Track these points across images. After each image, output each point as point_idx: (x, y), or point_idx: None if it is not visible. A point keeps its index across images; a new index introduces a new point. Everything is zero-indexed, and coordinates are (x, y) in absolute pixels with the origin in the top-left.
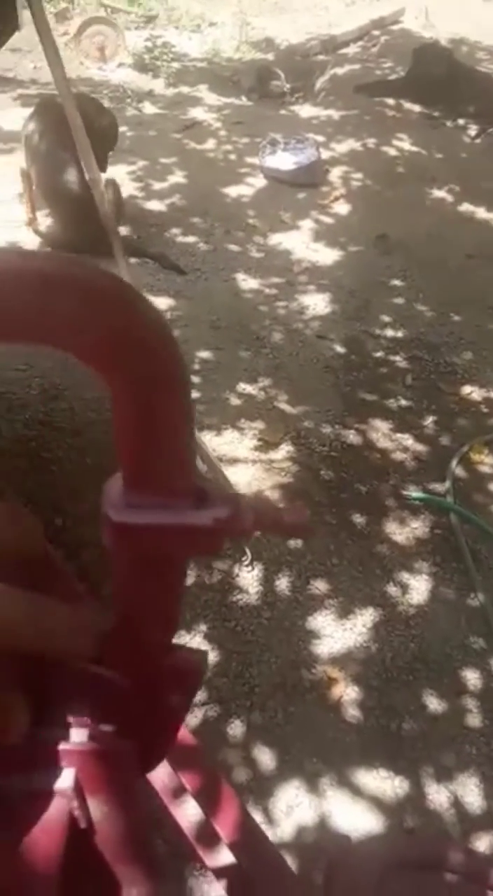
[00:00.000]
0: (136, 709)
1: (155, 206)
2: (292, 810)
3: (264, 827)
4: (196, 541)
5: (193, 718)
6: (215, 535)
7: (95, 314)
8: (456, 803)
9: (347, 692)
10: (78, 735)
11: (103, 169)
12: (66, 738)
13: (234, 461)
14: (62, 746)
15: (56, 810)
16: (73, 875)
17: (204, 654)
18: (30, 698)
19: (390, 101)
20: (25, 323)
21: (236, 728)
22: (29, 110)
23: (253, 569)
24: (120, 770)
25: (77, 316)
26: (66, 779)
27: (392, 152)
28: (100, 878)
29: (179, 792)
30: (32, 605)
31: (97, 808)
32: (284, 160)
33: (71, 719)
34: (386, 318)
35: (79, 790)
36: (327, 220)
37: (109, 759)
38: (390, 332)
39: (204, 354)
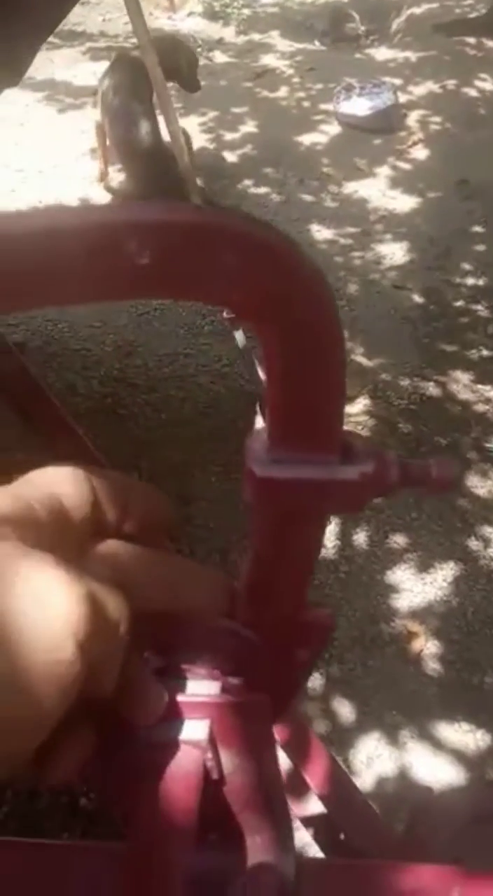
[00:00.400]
0: (265, 663)
1: (227, 157)
2: (372, 762)
3: None
4: (341, 496)
5: None
6: (361, 491)
7: (252, 267)
8: None
9: (427, 646)
10: (211, 687)
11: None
12: (198, 689)
13: None
14: (196, 698)
15: (191, 761)
16: (201, 822)
17: (333, 611)
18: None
19: (471, 40)
20: (180, 278)
21: (316, 681)
22: (98, 64)
23: (330, 523)
24: (252, 722)
25: (234, 269)
26: (200, 730)
27: (473, 93)
28: (224, 826)
29: None
30: (170, 565)
31: (229, 760)
32: (359, 105)
33: (204, 672)
34: (467, 266)
35: (213, 742)
36: (405, 166)
37: (242, 711)
38: (470, 281)
39: None
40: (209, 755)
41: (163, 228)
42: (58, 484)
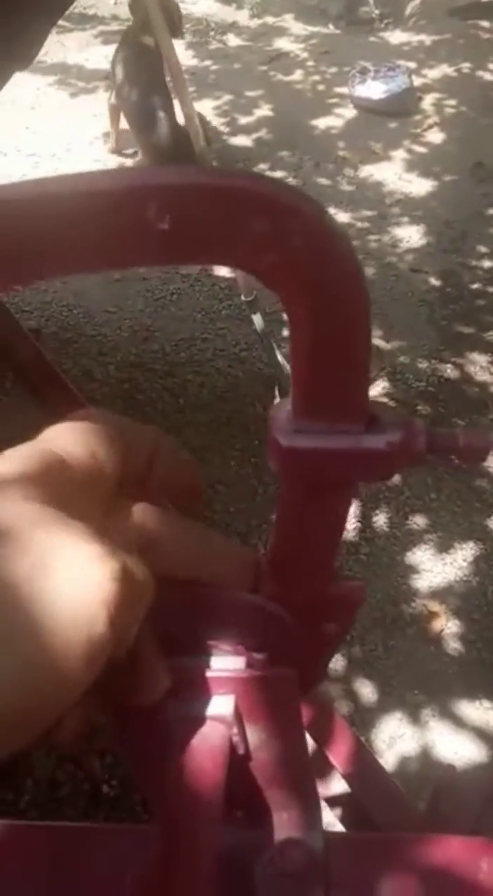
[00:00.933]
0: (293, 638)
1: (242, 141)
2: (394, 741)
3: None
4: (367, 465)
5: None
6: (387, 460)
7: (280, 230)
8: None
9: (448, 626)
10: (236, 662)
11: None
12: (224, 665)
13: None
14: (222, 673)
15: (217, 736)
16: (227, 798)
17: (362, 584)
18: (188, 625)
19: (486, 24)
20: (206, 242)
21: (337, 662)
22: (110, 48)
23: (351, 506)
24: (278, 697)
25: (261, 233)
26: (226, 705)
27: (488, 77)
28: (251, 804)
29: None
30: (199, 534)
31: (255, 735)
32: (374, 89)
33: (229, 647)
34: (483, 249)
35: (238, 717)
36: (421, 149)
37: (268, 686)
38: (487, 263)
39: None
40: (235, 730)
41: (188, 191)
42: (82, 438)
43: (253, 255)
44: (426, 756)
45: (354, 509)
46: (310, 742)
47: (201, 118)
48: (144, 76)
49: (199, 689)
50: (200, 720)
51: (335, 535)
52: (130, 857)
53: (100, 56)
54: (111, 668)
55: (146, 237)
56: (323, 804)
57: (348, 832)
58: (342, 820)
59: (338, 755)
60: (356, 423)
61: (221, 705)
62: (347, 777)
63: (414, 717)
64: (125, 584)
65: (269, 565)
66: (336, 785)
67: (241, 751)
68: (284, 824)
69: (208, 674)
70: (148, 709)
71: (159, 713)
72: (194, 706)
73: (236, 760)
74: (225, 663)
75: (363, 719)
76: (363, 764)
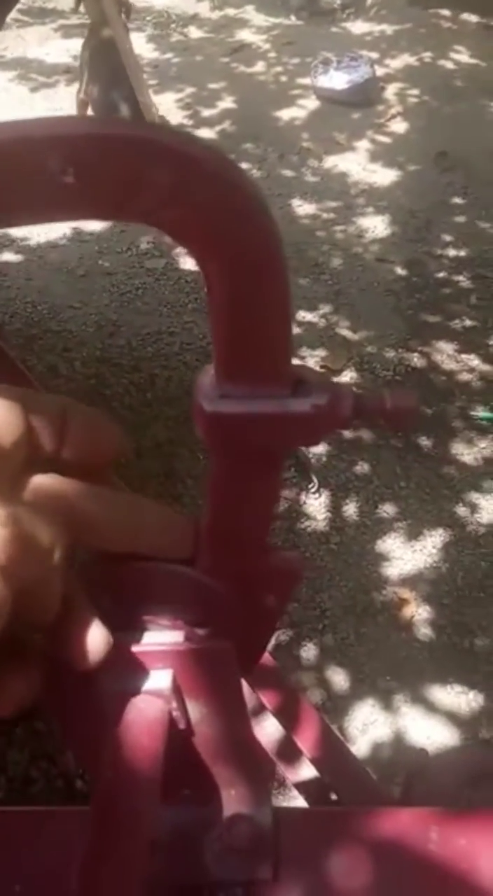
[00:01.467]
0: (231, 610)
1: (205, 133)
2: (367, 728)
3: None
4: (294, 430)
5: None
6: (314, 424)
7: (185, 184)
8: None
9: (418, 612)
10: (174, 636)
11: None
12: (161, 639)
13: None
14: (158, 647)
15: (155, 711)
16: (170, 779)
17: (301, 555)
18: (125, 601)
19: (446, 12)
20: (108, 196)
21: (309, 651)
22: (71, 42)
23: (320, 495)
24: (219, 671)
25: (165, 185)
26: (164, 680)
27: (450, 66)
28: (198, 780)
29: (258, 710)
30: (129, 504)
31: (196, 709)
32: (337, 79)
33: (166, 621)
34: (448, 238)
35: (177, 691)
36: (384, 139)
37: (206, 660)
38: (452, 252)
39: None
40: (174, 705)
41: (87, 142)
42: None
43: (158, 209)
44: (398, 741)
45: (324, 499)
46: (278, 728)
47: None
48: (106, 69)
49: (136, 664)
50: (137, 695)
51: (268, 504)
52: (76, 840)
53: (60, 50)
54: (45, 634)
55: (44, 192)
56: (294, 790)
57: (298, 807)
58: (312, 805)
59: (306, 741)
60: (282, 386)
61: (158, 680)
62: (315, 762)
63: (386, 703)
64: (17, 532)
65: (204, 538)
66: (306, 770)
67: (181, 725)
68: (231, 800)
69: (146, 648)
70: (85, 684)
71: (96, 688)
72: (131, 681)
73: (178, 736)
74: (163, 637)
75: (336, 707)
76: (332, 749)
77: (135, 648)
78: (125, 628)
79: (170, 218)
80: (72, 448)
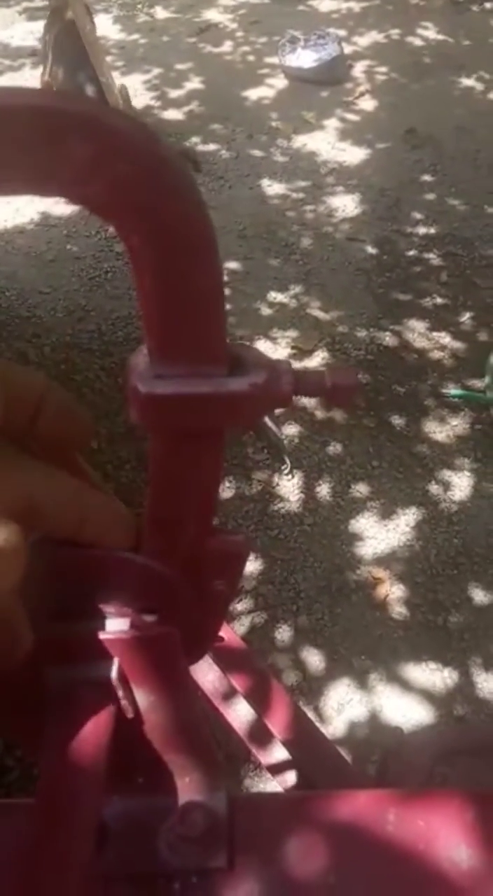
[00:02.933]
0: (178, 596)
1: (173, 115)
2: (343, 708)
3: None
4: (232, 409)
5: (241, 626)
6: (253, 403)
7: (103, 155)
8: None
9: (392, 591)
10: (119, 624)
11: None
12: (106, 627)
13: None
14: (104, 636)
15: (102, 701)
16: (122, 768)
17: (247, 537)
18: (70, 588)
19: None
20: (25, 169)
21: (284, 633)
22: (35, 24)
23: (293, 477)
24: (165, 658)
25: (83, 158)
26: (109, 668)
27: (417, 42)
28: (151, 769)
29: (230, 694)
30: (81, 491)
31: (144, 697)
32: (304, 58)
33: (111, 608)
34: (418, 216)
35: (124, 679)
36: (353, 117)
37: (153, 647)
38: (422, 230)
39: (232, 265)
40: (120, 693)
41: (3, 112)
42: None
43: (79, 183)
44: (374, 720)
45: (297, 480)
46: (250, 711)
47: (122, 89)
48: (71, 51)
49: (81, 653)
50: (82, 685)
51: (210, 486)
52: (23, 834)
53: (25, 32)
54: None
55: None
56: (266, 772)
57: (254, 793)
58: (286, 788)
59: (277, 723)
60: (218, 365)
61: (103, 668)
62: (287, 744)
63: (362, 683)
64: None
65: (147, 522)
66: (277, 753)
67: (130, 714)
68: (185, 788)
69: (90, 637)
70: (28, 674)
71: (40, 679)
72: (76, 670)
73: (128, 725)
74: (107, 625)
75: (312, 688)
76: (303, 731)
77: (79, 637)
78: (70, 616)
79: (91, 193)
80: (45, 427)
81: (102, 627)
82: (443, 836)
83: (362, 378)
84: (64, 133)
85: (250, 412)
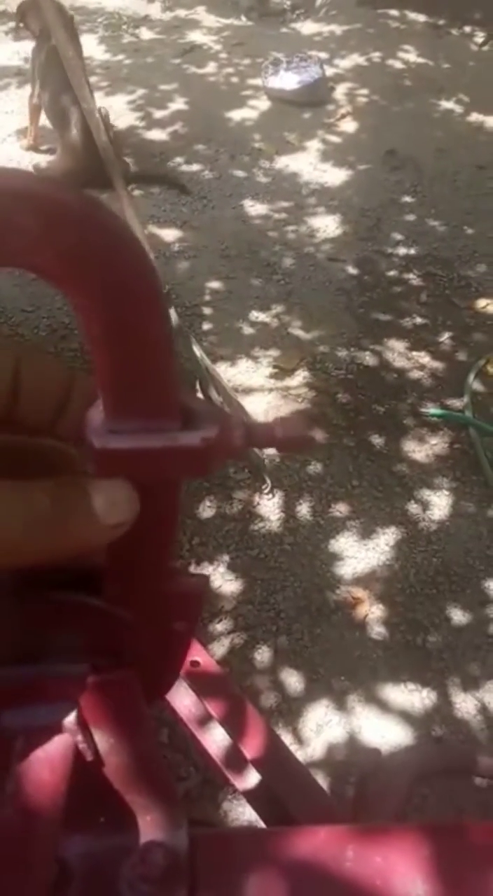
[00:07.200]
0: (137, 638)
1: (157, 135)
2: (321, 729)
3: (294, 748)
4: (184, 463)
5: (220, 647)
6: (205, 456)
7: (56, 229)
8: (483, 710)
9: (372, 610)
10: (77, 667)
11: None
12: (65, 671)
13: (250, 391)
14: (62, 679)
15: (60, 745)
16: (84, 808)
17: (205, 577)
18: (28, 634)
19: (394, 12)
20: None
21: (264, 653)
22: (21, 44)
23: (273, 496)
24: (124, 700)
25: (37, 232)
26: (67, 712)
27: (398, 65)
28: (113, 809)
29: (205, 719)
30: (46, 504)
31: (104, 740)
32: (287, 80)
33: (71, 652)
34: (398, 236)
35: (82, 723)
36: (334, 139)
37: (112, 690)
38: (402, 250)
39: (214, 284)
40: (80, 737)
41: None
42: None
43: (26, 254)
44: (353, 741)
45: (278, 500)
46: (225, 737)
47: (104, 113)
48: (57, 75)
49: (39, 697)
50: (40, 729)
51: (168, 532)
52: None
53: (10, 52)
54: None
55: None
56: (241, 798)
57: (215, 829)
58: (261, 814)
59: (250, 748)
60: (170, 420)
61: (62, 712)
62: (261, 771)
63: (341, 704)
64: None
65: (106, 568)
66: (252, 778)
67: (89, 757)
68: (147, 827)
69: (49, 681)
70: None
71: None
72: (34, 714)
73: (88, 766)
74: (66, 669)
75: (291, 708)
76: (278, 757)
77: (38, 681)
78: (29, 659)
79: (39, 263)
80: (28, 404)
81: (61, 671)
82: (400, 871)
83: (342, 398)
84: (10, 210)
85: (203, 465)
